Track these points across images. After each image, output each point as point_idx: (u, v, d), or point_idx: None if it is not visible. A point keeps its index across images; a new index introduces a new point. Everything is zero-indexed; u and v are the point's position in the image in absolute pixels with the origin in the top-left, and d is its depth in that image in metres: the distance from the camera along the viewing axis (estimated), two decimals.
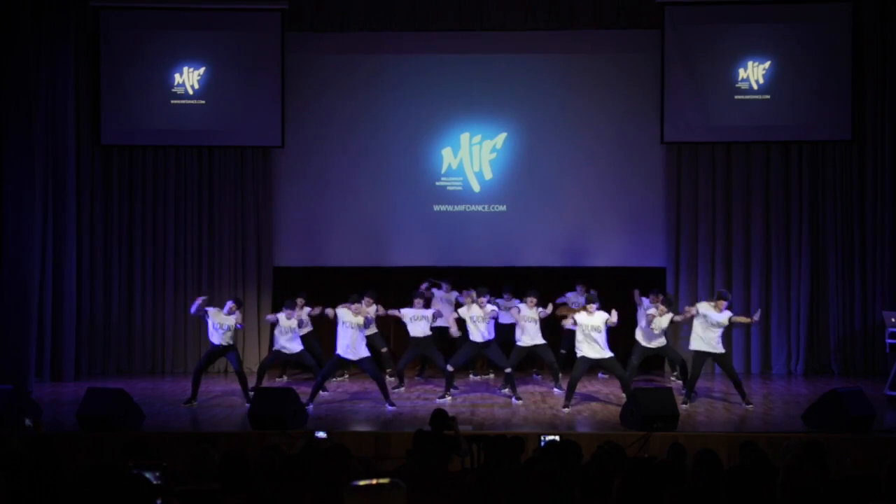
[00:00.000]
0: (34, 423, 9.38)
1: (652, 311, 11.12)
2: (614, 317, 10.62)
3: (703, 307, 10.81)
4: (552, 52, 13.71)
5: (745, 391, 10.89)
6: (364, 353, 10.83)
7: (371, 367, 10.85)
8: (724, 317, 10.77)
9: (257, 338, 13.75)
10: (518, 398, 11.14)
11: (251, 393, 10.87)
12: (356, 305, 10.87)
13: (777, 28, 13.41)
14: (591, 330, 10.60)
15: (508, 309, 12.18)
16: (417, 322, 11.67)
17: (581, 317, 10.65)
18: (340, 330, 10.77)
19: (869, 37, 13.28)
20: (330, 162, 13.80)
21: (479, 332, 11.32)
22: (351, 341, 10.71)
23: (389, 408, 10.64)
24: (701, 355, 10.84)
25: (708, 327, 10.71)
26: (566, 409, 10.56)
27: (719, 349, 10.81)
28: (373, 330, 12.32)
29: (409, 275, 13.54)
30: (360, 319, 10.67)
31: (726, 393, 11.58)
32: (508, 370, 11.30)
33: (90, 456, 8.66)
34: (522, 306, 11.36)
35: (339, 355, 10.84)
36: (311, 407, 10.59)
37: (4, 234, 12.19)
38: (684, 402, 10.67)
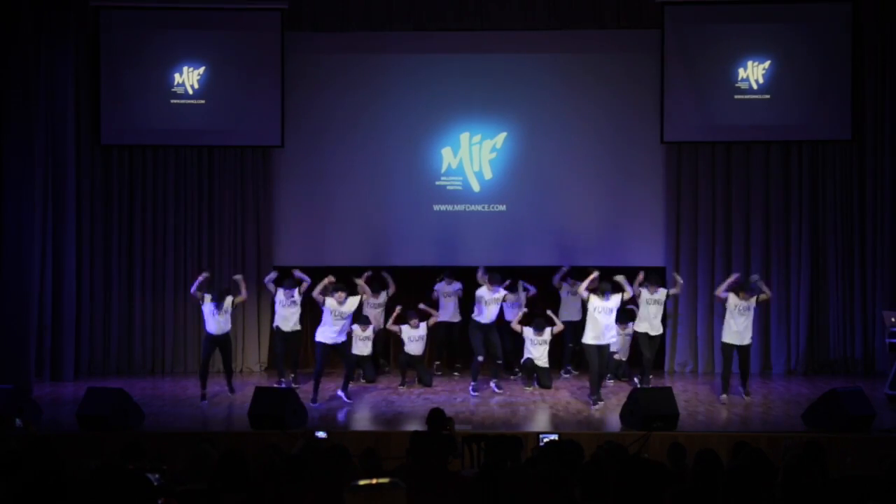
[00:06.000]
0: (24, 423, 9.37)
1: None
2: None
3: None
4: (552, 51, 13.70)
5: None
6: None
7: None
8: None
9: (257, 337, 13.75)
10: (475, 390, 11.60)
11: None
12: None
13: (777, 28, 13.41)
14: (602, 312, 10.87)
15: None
16: (414, 343, 12.32)
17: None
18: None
19: (869, 37, 13.27)
20: (330, 161, 13.79)
21: (483, 313, 11.80)
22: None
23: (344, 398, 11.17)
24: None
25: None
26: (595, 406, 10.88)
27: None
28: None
29: (409, 274, 13.53)
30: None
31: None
32: (480, 358, 11.75)
33: (90, 456, 8.65)
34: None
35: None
36: None
37: (4, 234, 12.17)
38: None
